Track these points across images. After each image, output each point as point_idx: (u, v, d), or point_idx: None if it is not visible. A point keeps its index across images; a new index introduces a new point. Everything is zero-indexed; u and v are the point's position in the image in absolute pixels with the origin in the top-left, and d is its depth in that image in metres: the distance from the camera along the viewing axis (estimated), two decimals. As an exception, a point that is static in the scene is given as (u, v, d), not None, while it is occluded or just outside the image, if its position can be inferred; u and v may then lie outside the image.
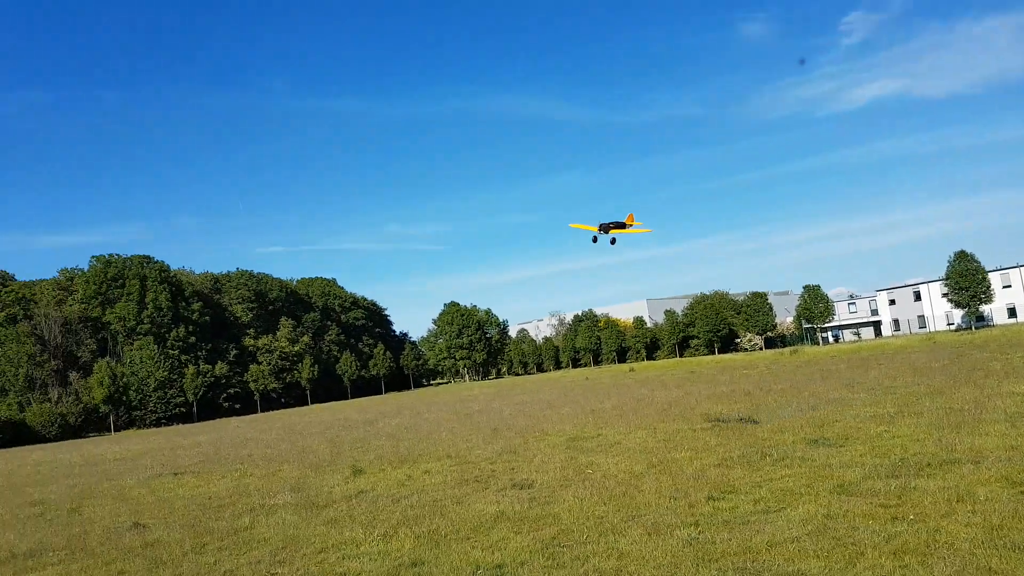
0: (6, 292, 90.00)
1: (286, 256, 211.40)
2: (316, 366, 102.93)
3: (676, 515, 9.23)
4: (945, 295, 75.19)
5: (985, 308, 76.15)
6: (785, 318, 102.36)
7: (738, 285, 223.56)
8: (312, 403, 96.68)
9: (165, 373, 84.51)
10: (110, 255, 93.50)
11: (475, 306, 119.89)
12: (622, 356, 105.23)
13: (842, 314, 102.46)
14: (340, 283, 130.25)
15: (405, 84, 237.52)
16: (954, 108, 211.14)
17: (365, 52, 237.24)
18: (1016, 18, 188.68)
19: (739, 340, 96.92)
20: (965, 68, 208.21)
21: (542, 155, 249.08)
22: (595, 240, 22.52)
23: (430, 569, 8.20)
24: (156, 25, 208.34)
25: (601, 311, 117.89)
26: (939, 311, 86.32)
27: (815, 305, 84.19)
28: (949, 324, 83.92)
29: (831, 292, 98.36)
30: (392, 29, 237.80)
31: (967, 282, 71.43)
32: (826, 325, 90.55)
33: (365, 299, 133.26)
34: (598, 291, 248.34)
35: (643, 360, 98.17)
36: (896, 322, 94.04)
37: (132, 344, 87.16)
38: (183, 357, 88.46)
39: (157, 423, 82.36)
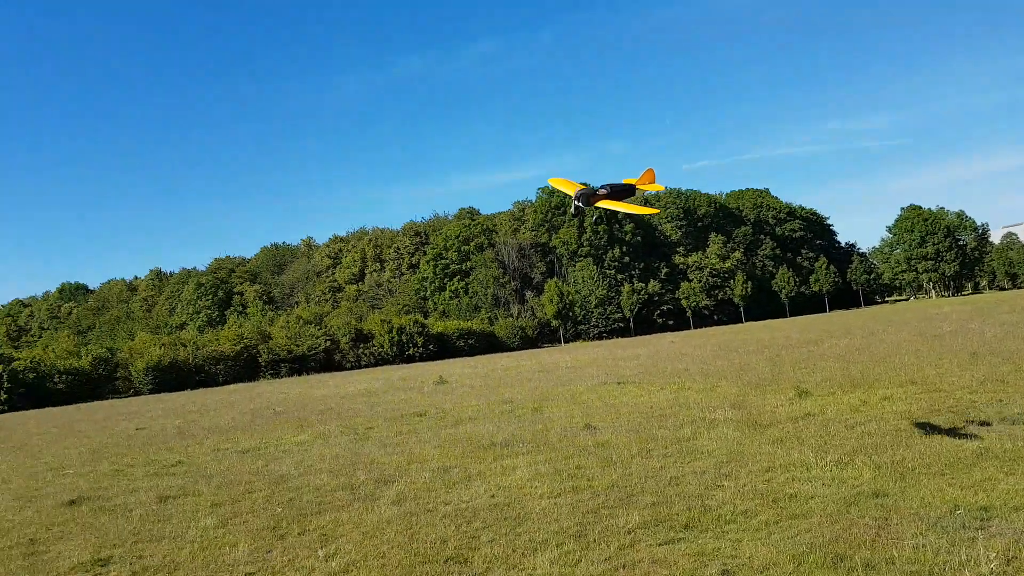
0: (474, 224, 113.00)
1: (714, 170, 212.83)
2: (749, 282, 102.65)
3: None
4: None
5: None
6: None
7: None
8: (745, 321, 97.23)
9: (604, 291, 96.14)
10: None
11: (942, 208, 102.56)
12: None
13: None
14: (774, 193, 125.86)
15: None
16: None
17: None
18: None
19: None
20: None
21: None
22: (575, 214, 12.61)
23: (895, 501, 7.56)
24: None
25: None
26: None
27: None
28: None
29: None
30: None
31: None
32: None
33: (803, 208, 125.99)
34: None
35: None
36: None
37: (575, 265, 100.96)
38: (619, 276, 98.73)
39: (599, 336, 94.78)
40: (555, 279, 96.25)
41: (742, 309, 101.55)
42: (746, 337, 50.38)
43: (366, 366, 72.36)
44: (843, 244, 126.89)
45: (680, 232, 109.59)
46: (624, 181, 10.61)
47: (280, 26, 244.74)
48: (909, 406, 13.21)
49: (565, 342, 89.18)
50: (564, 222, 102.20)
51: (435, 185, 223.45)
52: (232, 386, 59.88)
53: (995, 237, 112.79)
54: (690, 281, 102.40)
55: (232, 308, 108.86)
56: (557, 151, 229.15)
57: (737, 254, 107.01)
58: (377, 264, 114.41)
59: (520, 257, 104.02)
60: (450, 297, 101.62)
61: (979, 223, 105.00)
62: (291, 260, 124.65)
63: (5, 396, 56.76)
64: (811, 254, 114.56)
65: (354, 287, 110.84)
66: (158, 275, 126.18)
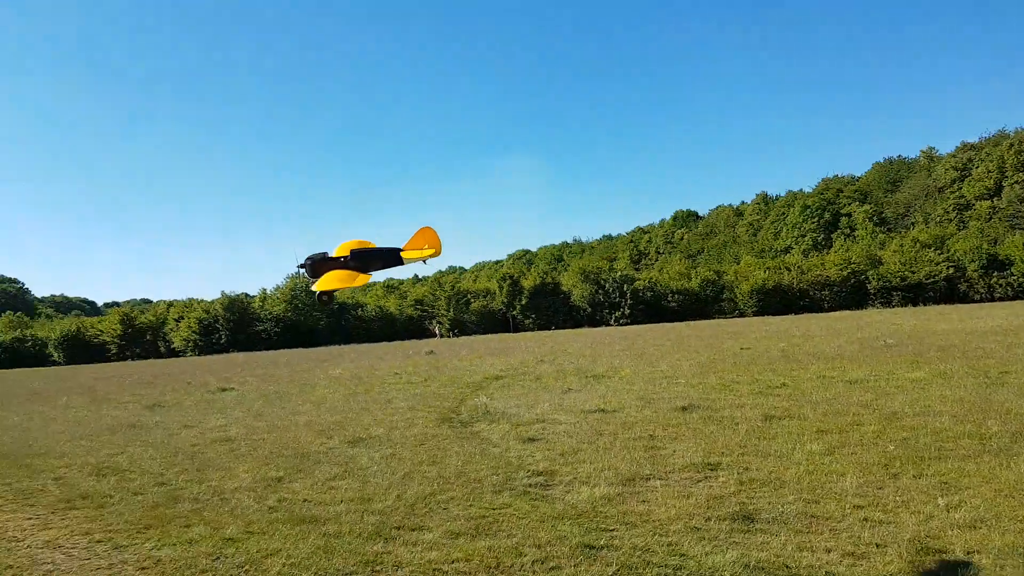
0: None
1: None
2: None
3: None
4: None
5: None
6: None
7: None
8: None
9: None
10: None
11: None
12: None
13: None
14: None
15: None
16: None
17: None
18: None
19: None
20: None
21: None
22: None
23: None
24: None
25: None
26: None
27: None
28: None
29: None
30: None
31: None
32: None
33: None
34: None
35: None
36: None
37: None
38: None
39: None
40: None
41: None
42: None
43: (1000, 299, 61.65)
44: None
45: None
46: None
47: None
48: None
49: None
50: None
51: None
52: (837, 313, 59.41)
53: None
54: None
55: (839, 231, 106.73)
56: None
57: None
58: (1021, 175, 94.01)
59: None
60: None
61: None
62: (907, 175, 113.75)
63: (628, 311, 71.70)
64: None
65: (987, 203, 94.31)
66: (764, 199, 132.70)
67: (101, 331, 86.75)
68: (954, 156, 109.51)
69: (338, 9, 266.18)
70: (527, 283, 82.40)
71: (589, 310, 76.98)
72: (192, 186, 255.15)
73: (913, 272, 65.84)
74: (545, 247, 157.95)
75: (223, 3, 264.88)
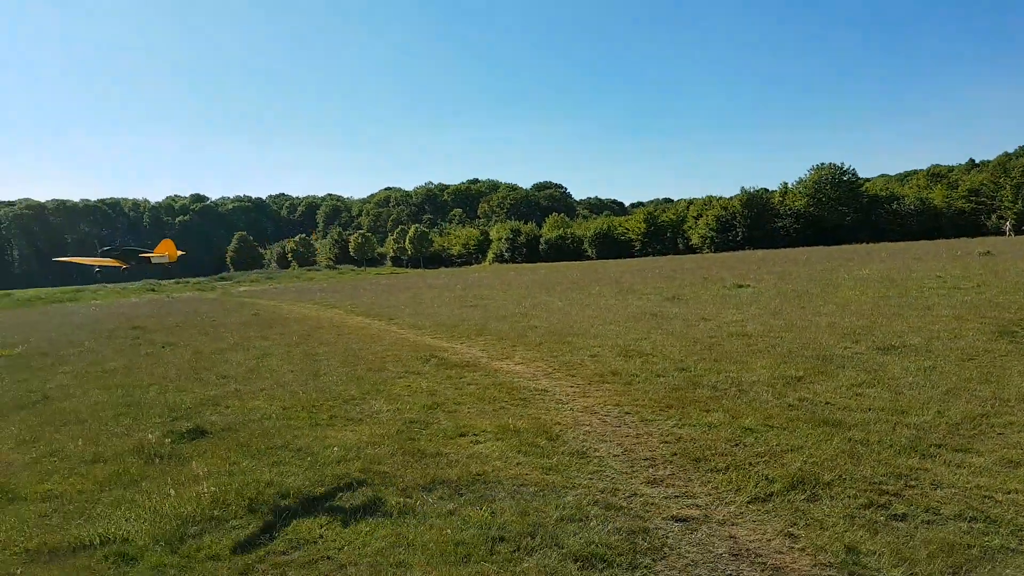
0: None
1: None
2: None
3: None
4: None
5: None
6: None
7: None
8: None
9: None
10: None
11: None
12: None
13: None
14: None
15: None
16: None
17: None
18: None
19: None
20: None
21: None
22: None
23: None
24: None
25: None
26: None
27: None
28: None
29: None
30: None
31: None
32: None
33: None
34: None
35: None
36: None
37: None
38: None
39: None
40: None
41: None
42: None
43: None
44: None
45: None
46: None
47: None
48: None
49: None
50: None
51: None
52: None
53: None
54: None
55: None
56: None
57: None
58: None
59: None
60: None
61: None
62: None
63: None
64: None
65: None
66: None
67: (628, 229, 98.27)
68: None
69: None
70: None
71: None
72: (709, 82, 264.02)
73: None
74: None
75: None
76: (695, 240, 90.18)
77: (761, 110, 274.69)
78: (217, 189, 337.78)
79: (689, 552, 4.95)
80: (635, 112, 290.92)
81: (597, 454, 7.05)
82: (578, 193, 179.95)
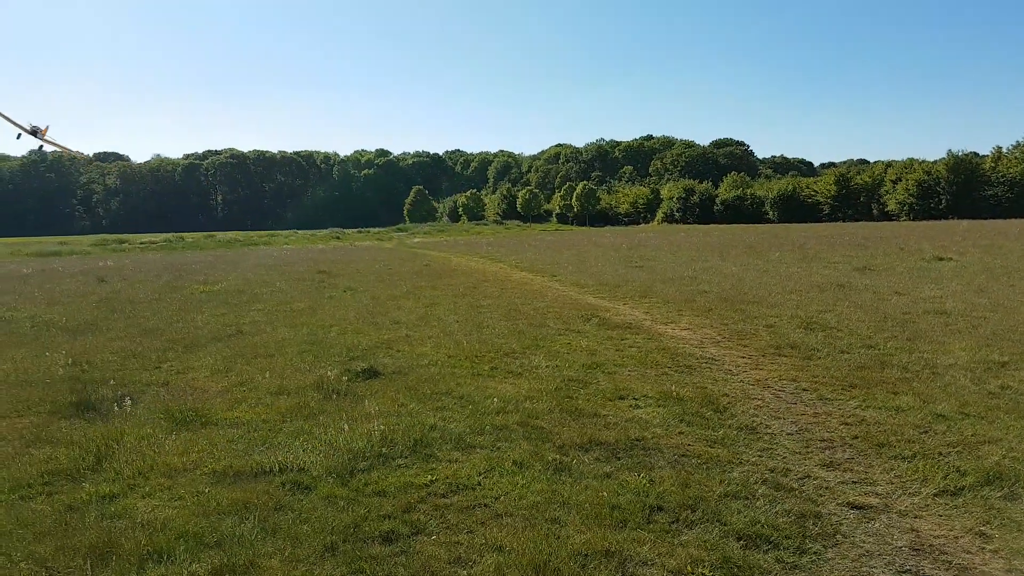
0: None
1: None
2: None
3: None
4: None
5: None
6: None
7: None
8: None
9: None
10: None
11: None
12: None
13: None
14: None
15: None
16: None
17: None
18: None
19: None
20: None
21: None
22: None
23: None
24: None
25: None
26: None
27: None
28: None
29: None
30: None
31: None
32: None
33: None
34: None
35: None
36: None
37: None
38: None
39: None
40: None
41: None
42: None
43: None
44: None
45: None
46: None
47: None
48: None
49: None
50: None
51: None
52: None
53: None
54: None
55: None
56: None
57: None
58: None
59: None
60: None
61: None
62: None
63: None
64: None
65: None
66: None
67: (815, 191, 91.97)
68: None
69: None
70: None
71: None
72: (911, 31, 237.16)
73: None
74: None
75: None
76: (892, 206, 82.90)
77: (973, 64, 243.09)
78: (400, 144, 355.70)
79: (864, 542, 4.61)
80: (827, 65, 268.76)
81: (768, 431, 6.70)
82: (761, 151, 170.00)
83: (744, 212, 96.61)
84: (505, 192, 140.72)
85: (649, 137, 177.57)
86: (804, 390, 8.02)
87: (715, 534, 4.66)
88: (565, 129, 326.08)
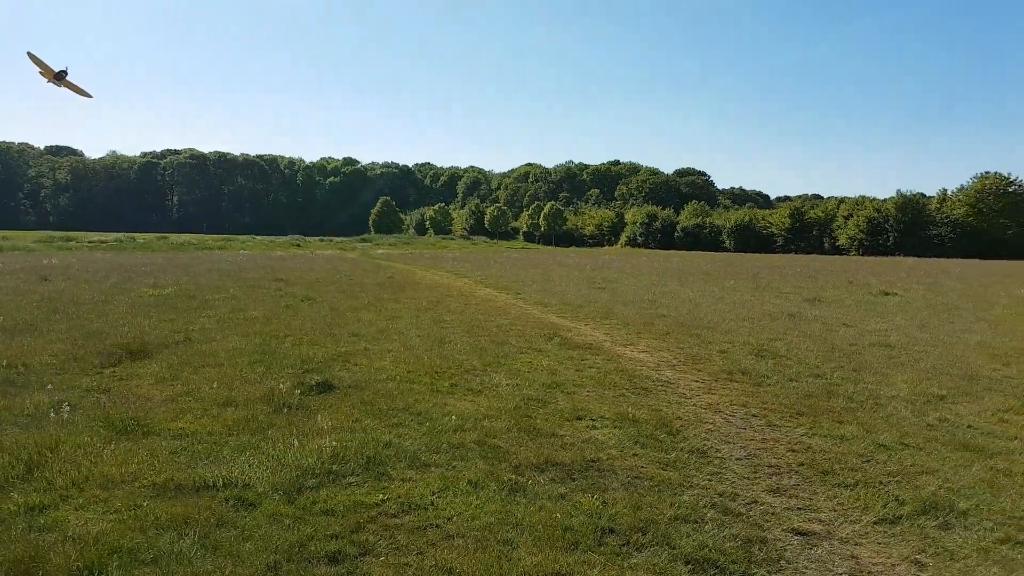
0: None
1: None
2: None
3: None
4: None
5: None
6: None
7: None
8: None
9: None
10: None
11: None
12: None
13: None
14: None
15: None
16: None
17: None
18: None
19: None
20: None
21: None
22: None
23: None
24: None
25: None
26: None
27: None
28: None
29: None
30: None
31: None
32: None
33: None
34: None
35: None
36: None
37: None
38: None
39: None
40: None
41: None
42: None
43: None
44: None
45: None
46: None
47: None
48: None
49: None
50: None
51: None
52: None
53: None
54: None
55: None
56: None
57: None
58: None
59: None
60: None
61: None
62: None
63: None
64: None
65: None
66: None
67: (770, 223, 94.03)
68: None
69: None
70: None
71: None
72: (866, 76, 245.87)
73: None
74: None
75: None
76: (843, 241, 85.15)
77: (922, 110, 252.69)
78: (368, 154, 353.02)
79: (807, 568, 4.67)
80: (786, 104, 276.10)
81: (719, 455, 6.76)
82: (721, 182, 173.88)
83: (703, 240, 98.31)
84: (474, 208, 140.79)
85: (616, 162, 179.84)
86: (754, 416, 8.12)
87: (664, 557, 4.66)
88: (536, 149, 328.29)
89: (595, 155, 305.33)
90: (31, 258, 35.77)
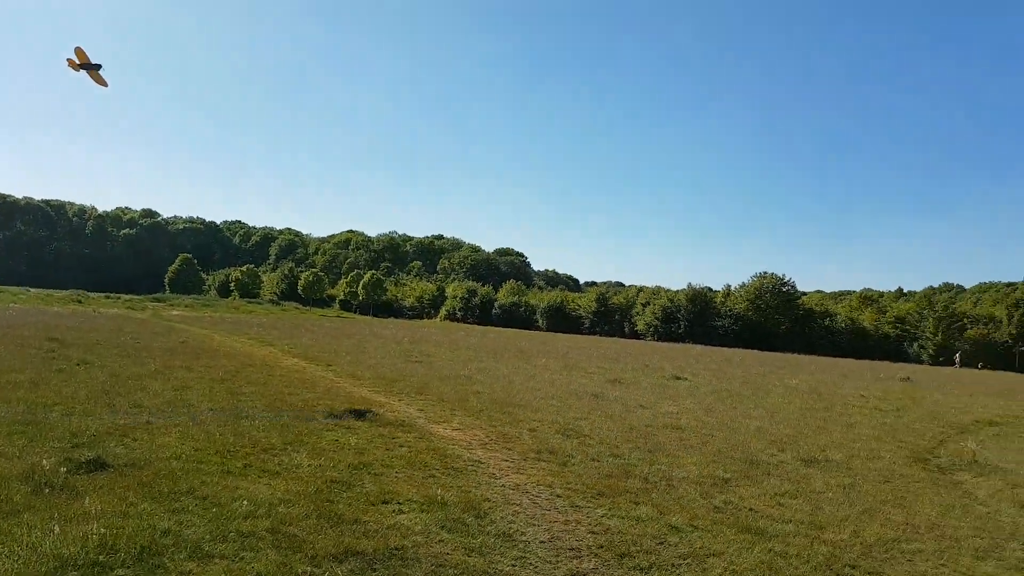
0: None
1: None
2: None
3: None
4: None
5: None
6: None
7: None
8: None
9: None
10: None
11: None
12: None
13: None
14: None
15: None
16: None
17: None
18: None
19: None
20: None
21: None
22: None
23: None
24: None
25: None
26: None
27: None
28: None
29: None
30: None
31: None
32: None
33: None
34: None
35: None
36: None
37: None
38: None
39: None
40: None
41: None
42: None
43: None
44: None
45: None
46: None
47: None
48: None
49: None
50: None
51: None
52: None
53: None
54: None
55: None
56: None
57: None
58: None
59: None
60: None
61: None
62: None
63: None
64: None
65: None
66: None
67: (579, 306, 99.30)
68: None
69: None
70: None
71: None
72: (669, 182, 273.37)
73: None
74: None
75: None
76: (640, 326, 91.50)
77: (711, 215, 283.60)
78: (171, 207, 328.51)
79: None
80: (592, 193, 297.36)
81: (523, 538, 6.75)
82: (537, 264, 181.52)
83: (518, 317, 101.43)
84: (287, 271, 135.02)
85: (440, 236, 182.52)
86: (558, 496, 8.26)
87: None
88: (358, 216, 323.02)
89: (420, 227, 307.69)
90: None
